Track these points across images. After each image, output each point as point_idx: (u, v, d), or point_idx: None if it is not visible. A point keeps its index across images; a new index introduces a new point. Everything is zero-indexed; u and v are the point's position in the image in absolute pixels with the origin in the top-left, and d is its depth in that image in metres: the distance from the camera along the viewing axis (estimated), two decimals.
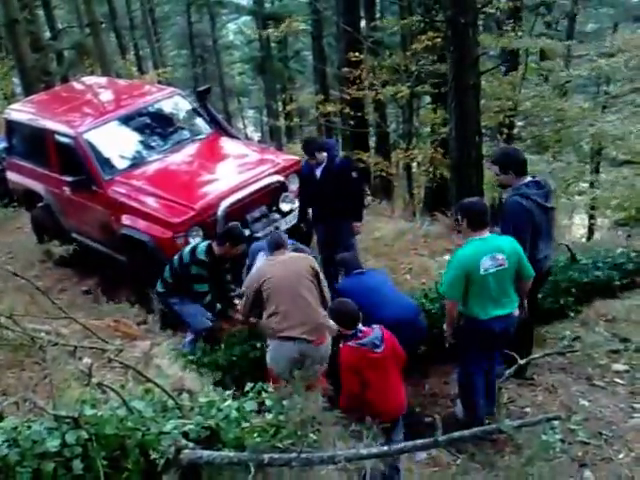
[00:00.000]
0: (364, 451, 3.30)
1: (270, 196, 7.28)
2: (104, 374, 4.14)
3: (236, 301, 6.05)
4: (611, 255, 7.09)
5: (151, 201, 7.04)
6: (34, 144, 8.30)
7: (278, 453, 3.13)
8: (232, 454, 3.08)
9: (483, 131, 12.29)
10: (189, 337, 6.11)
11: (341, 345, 4.74)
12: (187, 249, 5.97)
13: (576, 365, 5.91)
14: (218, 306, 5.89)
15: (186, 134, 8.27)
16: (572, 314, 6.56)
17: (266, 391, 3.57)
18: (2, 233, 9.68)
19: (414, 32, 13.46)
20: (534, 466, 4.07)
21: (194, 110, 8.47)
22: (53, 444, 2.81)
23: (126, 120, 8.00)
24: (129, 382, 3.84)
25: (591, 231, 16.04)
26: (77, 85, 10.27)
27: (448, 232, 9.16)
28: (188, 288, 5.92)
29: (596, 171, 16.74)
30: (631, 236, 9.46)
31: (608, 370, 5.81)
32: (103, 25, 16.08)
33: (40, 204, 8.46)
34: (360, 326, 4.65)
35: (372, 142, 17.43)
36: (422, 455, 5.03)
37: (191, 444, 3.03)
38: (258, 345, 5.57)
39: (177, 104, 8.53)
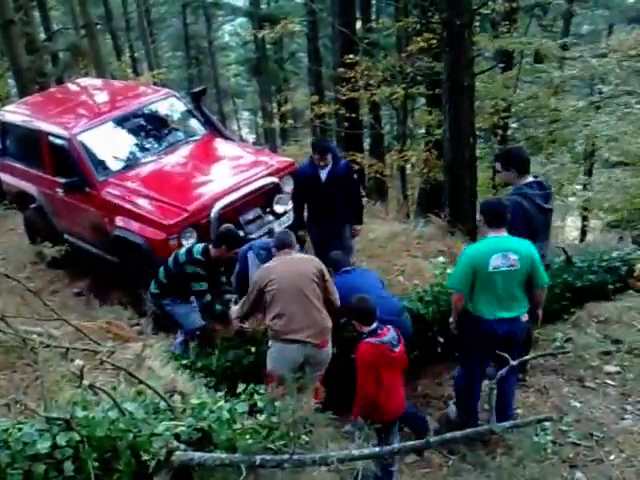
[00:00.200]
0: (356, 452, 3.32)
1: (264, 198, 7.28)
2: (96, 376, 4.14)
3: (231, 305, 6.01)
4: (607, 258, 7.05)
5: (144, 203, 7.04)
6: (28, 145, 8.29)
7: (270, 454, 3.14)
8: (224, 456, 3.08)
9: (477, 133, 12.31)
10: (179, 338, 6.12)
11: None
12: (183, 250, 5.97)
13: (568, 367, 5.93)
14: (218, 307, 5.82)
15: (180, 135, 8.27)
16: (565, 316, 6.58)
17: (258, 393, 3.58)
18: None
19: (410, 33, 13.48)
20: (525, 467, 4.09)
21: (189, 111, 8.47)
22: (44, 446, 2.81)
23: (120, 121, 8.01)
24: (121, 384, 3.83)
25: (584, 233, 16.09)
26: (72, 86, 10.27)
27: (441, 234, 9.18)
28: (185, 288, 5.90)
29: (589, 173, 16.78)
30: (623, 238, 9.50)
31: (600, 372, 5.83)
32: (98, 26, 16.05)
33: (33, 205, 8.45)
34: (377, 324, 4.67)
35: (366, 144, 17.43)
36: (413, 456, 5.06)
37: (183, 446, 3.03)
38: (253, 350, 5.53)
39: (172, 105, 8.53)
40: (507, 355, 4.01)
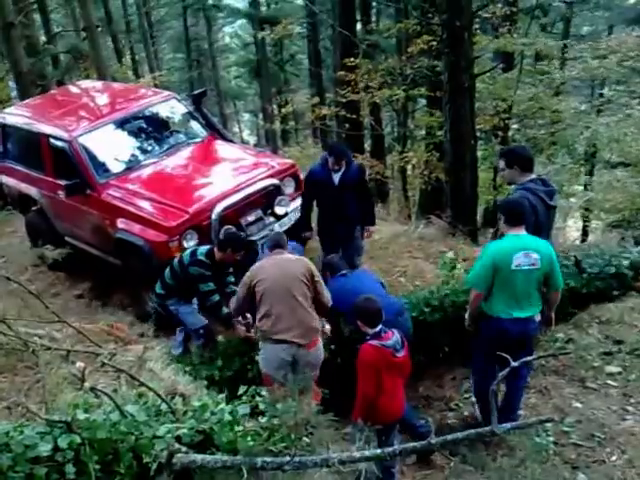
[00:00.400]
0: (357, 454, 3.31)
1: (265, 199, 7.28)
2: (97, 378, 4.14)
3: None
4: (616, 264, 6.90)
5: (146, 205, 7.03)
6: (29, 148, 8.29)
7: (271, 457, 3.14)
8: (225, 458, 3.08)
9: (478, 134, 12.33)
10: (179, 338, 6.15)
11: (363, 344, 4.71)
12: (188, 251, 6.02)
13: (569, 367, 5.93)
14: (224, 310, 5.81)
15: (181, 138, 8.26)
16: (567, 317, 6.57)
17: (260, 395, 3.58)
18: None
19: (410, 35, 13.49)
20: (527, 468, 4.09)
21: (189, 114, 8.46)
22: (45, 449, 2.81)
23: (121, 124, 7.99)
24: (122, 386, 3.84)
25: (585, 233, 16.08)
26: (72, 89, 10.26)
27: (443, 235, 9.18)
28: (191, 290, 5.98)
29: (590, 173, 16.78)
30: (625, 238, 9.49)
31: (601, 372, 5.83)
32: (99, 29, 16.00)
33: (34, 208, 8.44)
34: (382, 326, 4.65)
35: (367, 145, 17.45)
36: (414, 457, 5.05)
37: (184, 448, 3.03)
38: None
39: (173, 108, 8.52)
40: (509, 356, 4.02)
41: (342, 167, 6.75)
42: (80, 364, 4.18)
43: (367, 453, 3.38)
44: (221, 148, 8.31)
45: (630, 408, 5.39)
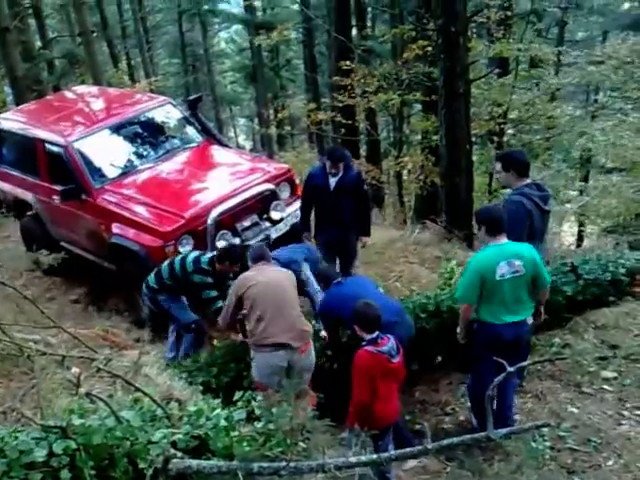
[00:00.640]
0: (353, 459, 3.30)
1: (261, 204, 7.28)
2: (93, 384, 4.12)
3: None
4: (612, 270, 6.87)
5: (141, 210, 7.04)
6: (24, 153, 8.28)
7: (267, 462, 3.13)
8: (221, 463, 3.07)
9: (474, 139, 12.36)
10: (171, 338, 6.19)
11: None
12: (190, 258, 6.08)
13: (565, 372, 5.92)
14: (221, 317, 5.81)
15: (177, 143, 8.27)
16: (562, 322, 6.57)
17: (255, 400, 3.58)
18: None
19: (405, 41, 13.53)
20: (523, 473, 4.09)
21: (185, 119, 8.48)
22: (40, 454, 2.79)
23: (117, 129, 8.00)
24: (118, 391, 3.83)
25: (581, 238, 16.12)
26: (68, 94, 10.26)
27: (438, 240, 9.19)
28: (189, 293, 6.18)
29: (585, 179, 16.84)
30: (620, 243, 9.52)
31: (597, 377, 5.82)
32: (94, 34, 16.06)
33: (29, 213, 8.43)
34: (379, 333, 4.64)
35: (363, 150, 17.47)
36: (412, 463, 5.04)
37: (180, 453, 3.02)
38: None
39: (168, 113, 8.53)
40: (504, 361, 4.02)
41: (339, 171, 6.76)
42: (75, 369, 4.16)
43: (363, 458, 3.37)
44: (217, 153, 8.32)
45: (626, 413, 5.39)
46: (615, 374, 5.85)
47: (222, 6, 30.97)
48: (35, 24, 19.44)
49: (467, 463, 4.90)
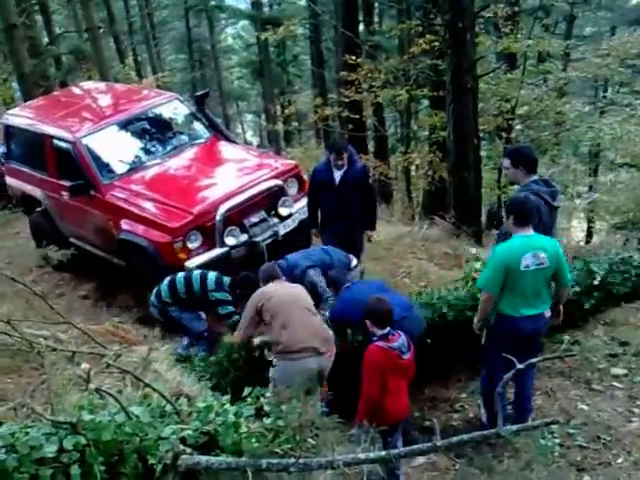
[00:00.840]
0: (362, 455, 3.30)
1: (269, 200, 7.28)
2: (102, 379, 4.13)
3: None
4: (625, 269, 6.69)
5: (149, 206, 7.04)
6: (33, 149, 8.30)
7: (276, 458, 3.13)
8: (230, 459, 3.07)
9: (482, 134, 12.32)
10: (185, 342, 6.20)
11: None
12: (212, 278, 6.15)
13: (575, 369, 5.90)
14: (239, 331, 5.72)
15: (184, 139, 8.27)
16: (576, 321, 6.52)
17: (264, 396, 3.57)
18: (0, 238, 9.68)
19: (412, 36, 13.49)
20: (533, 470, 4.08)
21: (192, 115, 8.47)
22: (51, 450, 2.80)
23: (125, 125, 8.01)
24: (127, 387, 3.84)
25: (590, 234, 16.06)
26: (75, 90, 10.27)
27: (447, 236, 9.17)
28: (204, 307, 6.26)
29: (594, 174, 16.78)
30: (629, 240, 9.46)
31: (607, 374, 5.79)
32: (101, 30, 16.06)
33: (38, 209, 8.45)
34: (390, 329, 4.62)
35: (370, 146, 17.45)
36: (420, 460, 5.03)
37: (189, 449, 3.02)
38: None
39: (175, 109, 8.53)
40: (514, 358, 4.02)
41: (344, 164, 6.76)
42: (85, 365, 4.16)
43: (372, 455, 3.38)
44: (224, 149, 8.32)
45: (636, 410, 5.36)
46: (625, 371, 5.82)
47: (229, 2, 30.97)
48: (42, 20, 19.48)
49: (476, 460, 4.90)
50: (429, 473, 4.98)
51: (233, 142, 8.72)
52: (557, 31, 20.80)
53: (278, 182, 7.33)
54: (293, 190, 7.51)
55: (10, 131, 8.75)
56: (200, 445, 3.12)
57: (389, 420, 4.62)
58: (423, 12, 13.41)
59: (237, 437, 3.21)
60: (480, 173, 10.57)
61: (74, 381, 3.79)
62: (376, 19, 20.13)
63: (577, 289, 6.26)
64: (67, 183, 7.48)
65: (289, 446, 3.25)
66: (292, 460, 3.06)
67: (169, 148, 8.01)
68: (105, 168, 7.53)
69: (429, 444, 3.47)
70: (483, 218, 12.77)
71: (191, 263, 6.59)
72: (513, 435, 3.59)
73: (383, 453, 3.49)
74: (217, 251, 6.81)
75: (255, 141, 33.27)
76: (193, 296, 6.12)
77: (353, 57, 13.37)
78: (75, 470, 2.80)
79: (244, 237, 6.96)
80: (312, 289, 5.99)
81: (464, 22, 9.10)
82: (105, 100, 9.16)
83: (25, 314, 5.25)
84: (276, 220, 7.27)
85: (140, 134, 8.13)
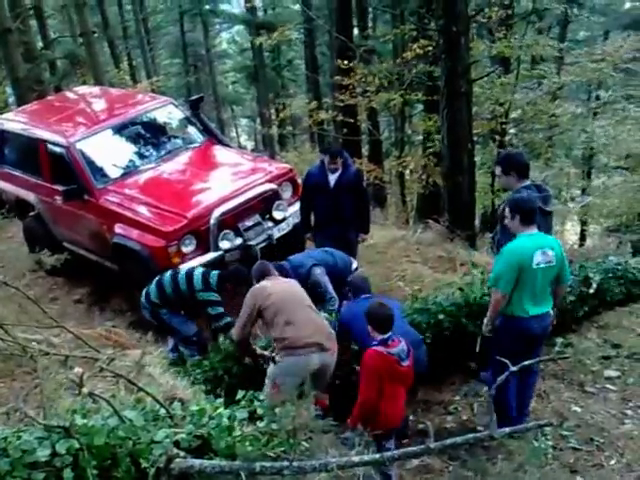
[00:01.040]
0: (356, 458, 3.30)
1: (263, 204, 7.29)
2: (95, 383, 4.12)
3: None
4: (620, 275, 6.81)
5: (144, 210, 7.04)
6: (26, 153, 8.29)
7: (270, 462, 3.13)
8: (224, 463, 3.07)
9: (475, 138, 12.35)
10: (170, 344, 6.16)
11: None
12: (198, 274, 6.01)
13: (568, 371, 5.93)
14: (232, 333, 5.62)
15: (179, 143, 8.27)
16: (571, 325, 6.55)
17: (258, 399, 3.57)
18: None
19: (406, 40, 13.53)
20: (526, 472, 4.09)
21: (187, 119, 8.48)
22: (43, 454, 2.79)
23: (119, 129, 8.01)
24: (121, 391, 3.83)
25: (583, 237, 16.12)
26: (70, 94, 10.27)
27: (441, 239, 9.19)
28: (192, 307, 6.09)
29: (588, 177, 16.84)
30: (622, 242, 9.51)
31: (600, 376, 5.83)
32: (96, 35, 16.08)
33: (32, 213, 8.44)
34: (391, 334, 4.59)
35: (365, 150, 17.48)
36: (414, 462, 5.03)
37: (182, 453, 3.02)
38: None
39: (170, 113, 8.54)
40: (508, 361, 4.04)
41: (338, 168, 6.80)
42: (78, 369, 4.15)
43: (366, 458, 3.37)
44: (219, 153, 8.32)
45: (629, 412, 5.39)
46: (618, 373, 5.85)
47: (223, 6, 31.04)
48: (36, 25, 19.45)
49: (470, 462, 4.91)
50: (423, 475, 4.99)
51: (227, 146, 8.73)
52: (551, 35, 20.89)
53: (272, 186, 7.34)
54: (287, 194, 7.52)
55: (4, 136, 8.73)
56: (194, 449, 3.11)
57: (383, 426, 4.61)
58: (417, 17, 13.46)
59: (231, 440, 3.21)
60: (474, 177, 10.60)
61: (67, 385, 3.78)
62: (370, 24, 20.15)
63: (572, 298, 6.29)
64: (61, 187, 7.47)
65: (283, 449, 3.25)
66: (286, 463, 3.06)
67: (163, 152, 8.02)
68: (99, 172, 7.53)
69: (423, 446, 3.48)
70: (477, 222, 12.82)
71: (185, 267, 6.57)
72: (506, 437, 3.58)
73: (377, 456, 3.49)
74: (211, 255, 6.80)
75: (249, 145, 33.31)
76: (180, 295, 5.99)
77: (346, 62, 13.39)
78: (68, 474, 2.79)
79: (238, 241, 6.96)
80: (314, 288, 5.98)
81: (458, 27, 9.14)
82: (99, 104, 9.17)
83: (18, 318, 5.23)
84: (270, 224, 7.28)
85: (134, 138, 8.14)
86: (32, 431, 2.91)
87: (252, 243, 6.94)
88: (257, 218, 7.20)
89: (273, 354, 5.11)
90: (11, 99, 17.00)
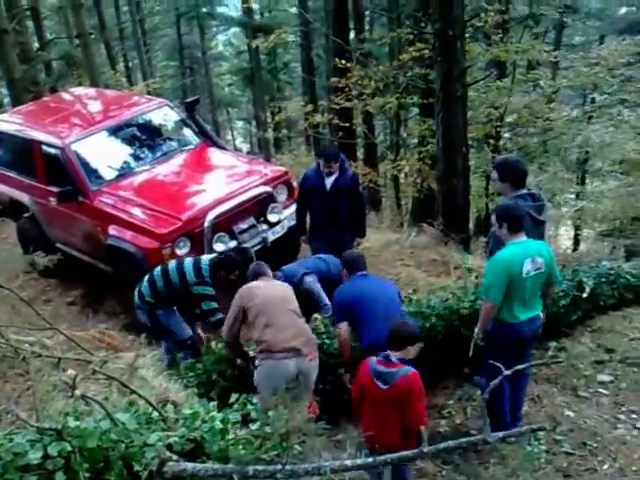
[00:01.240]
0: (349, 462, 3.30)
1: (258, 207, 7.29)
2: (88, 386, 4.11)
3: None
4: (614, 279, 6.80)
5: (138, 212, 7.04)
6: (21, 154, 8.28)
7: (263, 465, 3.12)
8: (216, 466, 3.06)
9: (470, 142, 12.38)
10: (163, 346, 6.12)
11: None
12: (189, 265, 5.92)
13: (561, 376, 5.93)
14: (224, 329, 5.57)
15: (174, 145, 8.27)
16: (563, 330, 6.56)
17: (251, 403, 3.57)
18: None
19: (403, 44, 13.55)
20: (519, 477, 4.09)
21: (182, 121, 8.48)
22: (35, 456, 2.77)
23: (114, 131, 8.01)
24: (113, 394, 3.81)
25: (577, 242, 16.16)
26: (65, 96, 10.27)
27: (435, 243, 9.20)
28: (186, 302, 6.00)
29: (582, 182, 16.88)
30: (616, 247, 9.53)
31: (593, 381, 5.83)
32: (92, 36, 16.04)
33: (26, 214, 8.42)
34: (394, 355, 4.39)
35: (360, 153, 17.49)
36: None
37: (175, 456, 3.01)
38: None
39: (165, 115, 8.54)
40: (501, 365, 4.03)
41: (334, 171, 6.79)
42: (71, 371, 4.14)
43: (359, 462, 3.37)
44: (214, 155, 8.32)
45: (621, 416, 5.39)
46: (611, 378, 5.86)
47: (220, 9, 31.02)
48: (33, 26, 19.42)
49: (463, 466, 4.91)
50: (416, 479, 4.99)
51: (223, 149, 8.73)
52: (547, 40, 20.96)
53: (267, 189, 7.34)
54: (282, 197, 7.53)
55: None
56: (186, 452, 3.11)
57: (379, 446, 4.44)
58: (413, 20, 13.47)
59: (224, 444, 3.20)
60: (468, 181, 10.61)
61: (59, 387, 3.77)
62: (367, 27, 20.17)
63: (565, 302, 6.31)
64: (55, 189, 7.46)
65: (276, 453, 3.25)
66: (279, 467, 3.05)
67: (158, 154, 8.02)
68: (94, 174, 7.53)
69: (416, 450, 3.48)
70: (471, 225, 12.84)
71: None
72: (500, 441, 3.58)
73: (370, 460, 3.49)
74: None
75: (245, 148, 33.28)
76: (173, 290, 5.90)
77: (343, 61, 13.39)
78: (60, 477, 2.78)
79: (233, 243, 6.96)
80: (308, 297, 5.97)
81: (454, 30, 9.15)
82: (95, 106, 9.17)
83: (11, 320, 5.21)
84: (265, 226, 7.29)
85: (129, 140, 8.14)
86: (24, 433, 2.90)
87: (246, 245, 6.93)
88: (252, 221, 7.20)
89: (254, 355, 5.13)
90: (6, 100, 16.97)
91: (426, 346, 5.59)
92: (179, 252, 6.65)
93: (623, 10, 23.27)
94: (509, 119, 14.29)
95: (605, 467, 4.84)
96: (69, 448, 2.82)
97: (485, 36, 14.42)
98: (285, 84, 31.13)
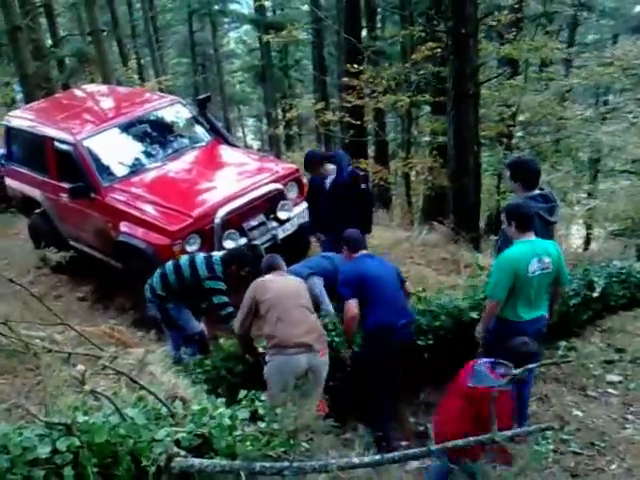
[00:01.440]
0: (356, 460, 3.31)
1: (268, 204, 7.29)
2: (98, 381, 4.14)
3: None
4: (625, 278, 6.79)
5: (149, 208, 7.05)
6: (33, 151, 8.32)
7: (270, 462, 3.13)
8: (224, 462, 3.07)
9: (483, 141, 12.34)
10: (171, 343, 6.14)
11: None
12: (201, 261, 5.93)
13: (570, 375, 5.91)
14: (234, 323, 5.60)
15: (185, 142, 8.29)
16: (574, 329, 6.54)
17: (259, 399, 3.58)
18: None
19: (415, 42, 13.52)
20: (526, 476, 4.07)
21: (194, 118, 8.49)
22: (44, 451, 2.80)
23: (126, 127, 8.03)
24: (122, 389, 3.84)
25: (588, 241, 16.08)
26: (77, 92, 10.30)
27: (445, 241, 9.18)
28: (198, 296, 6.00)
29: (594, 180, 16.80)
30: (627, 246, 9.48)
31: (602, 380, 5.81)
32: (105, 33, 16.09)
33: (38, 210, 8.48)
34: None
35: (371, 151, 17.47)
36: (414, 464, 5.03)
37: (183, 452, 3.03)
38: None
39: (177, 112, 8.55)
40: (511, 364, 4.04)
41: (328, 174, 6.85)
42: (81, 367, 4.18)
43: (366, 459, 3.38)
44: (225, 153, 8.33)
45: (630, 417, 5.37)
46: (620, 378, 5.84)
47: (232, 6, 31.06)
48: (46, 22, 19.53)
49: (470, 465, 4.89)
50: (423, 478, 4.98)
51: (234, 146, 8.74)
52: (560, 38, 20.84)
53: (278, 186, 7.34)
54: (293, 194, 7.53)
55: (11, 133, 8.77)
56: (194, 448, 3.12)
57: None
58: (426, 18, 13.45)
59: (231, 440, 3.22)
60: (480, 179, 10.60)
61: (69, 382, 3.79)
62: (379, 25, 20.15)
63: (576, 302, 6.29)
64: (67, 185, 7.49)
65: (283, 450, 3.26)
66: (286, 464, 3.06)
67: (170, 151, 8.03)
68: (105, 170, 7.55)
69: (423, 449, 3.49)
70: (482, 224, 12.80)
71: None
72: (507, 441, 3.58)
73: (377, 457, 3.49)
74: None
75: (256, 145, 33.34)
76: (184, 284, 5.90)
77: (355, 65, 13.38)
78: (68, 472, 2.80)
79: (243, 240, 6.96)
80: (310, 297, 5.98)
81: (467, 29, 9.13)
82: (107, 103, 9.19)
83: (22, 315, 5.25)
84: (275, 224, 7.29)
85: (141, 137, 8.15)
86: (33, 428, 2.93)
87: (256, 243, 6.94)
88: (262, 218, 7.20)
89: (264, 352, 5.12)
90: (19, 96, 17.08)
91: (435, 344, 5.64)
92: (189, 249, 6.66)
93: (637, 9, 23.08)
94: (521, 117, 14.22)
95: (613, 467, 4.82)
96: (78, 443, 2.84)
97: (498, 34, 14.35)
98: (296, 81, 31.15)
